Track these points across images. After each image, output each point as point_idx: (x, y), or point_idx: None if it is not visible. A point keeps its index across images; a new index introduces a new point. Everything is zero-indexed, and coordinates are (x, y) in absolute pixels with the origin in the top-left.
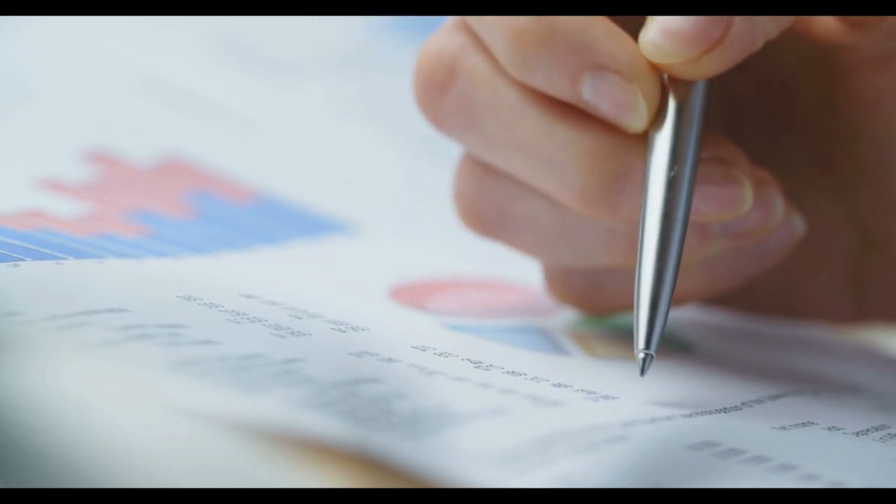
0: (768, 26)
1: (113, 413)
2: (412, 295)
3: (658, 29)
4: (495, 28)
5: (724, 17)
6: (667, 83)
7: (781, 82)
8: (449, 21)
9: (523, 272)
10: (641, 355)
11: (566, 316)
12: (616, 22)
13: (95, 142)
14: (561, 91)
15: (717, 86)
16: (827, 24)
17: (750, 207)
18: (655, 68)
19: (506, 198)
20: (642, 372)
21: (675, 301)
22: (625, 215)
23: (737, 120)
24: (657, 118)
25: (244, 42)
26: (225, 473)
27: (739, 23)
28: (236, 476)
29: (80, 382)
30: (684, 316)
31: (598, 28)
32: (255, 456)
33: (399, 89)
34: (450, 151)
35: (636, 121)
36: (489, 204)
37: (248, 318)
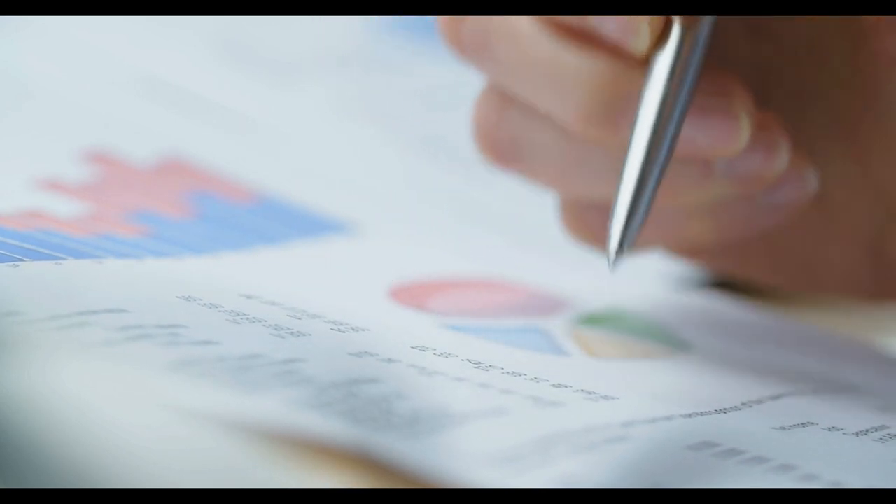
0: None
1: (113, 413)
2: (412, 295)
3: None
4: None
5: None
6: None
7: (808, 47)
8: None
9: (523, 272)
10: (615, 254)
11: (566, 316)
12: None
13: (95, 142)
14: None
15: (745, 48)
16: None
17: (745, 143)
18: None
19: (521, 126)
20: (611, 267)
21: (689, 248)
22: (626, 139)
23: (764, 86)
24: (659, 44)
25: (244, 42)
26: (225, 473)
27: None
28: (236, 476)
29: (80, 382)
30: (683, 315)
31: None
32: (255, 456)
33: (399, 89)
34: (450, 151)
35: (639, 43)
36: (505, 133)
37: (247, 319)
